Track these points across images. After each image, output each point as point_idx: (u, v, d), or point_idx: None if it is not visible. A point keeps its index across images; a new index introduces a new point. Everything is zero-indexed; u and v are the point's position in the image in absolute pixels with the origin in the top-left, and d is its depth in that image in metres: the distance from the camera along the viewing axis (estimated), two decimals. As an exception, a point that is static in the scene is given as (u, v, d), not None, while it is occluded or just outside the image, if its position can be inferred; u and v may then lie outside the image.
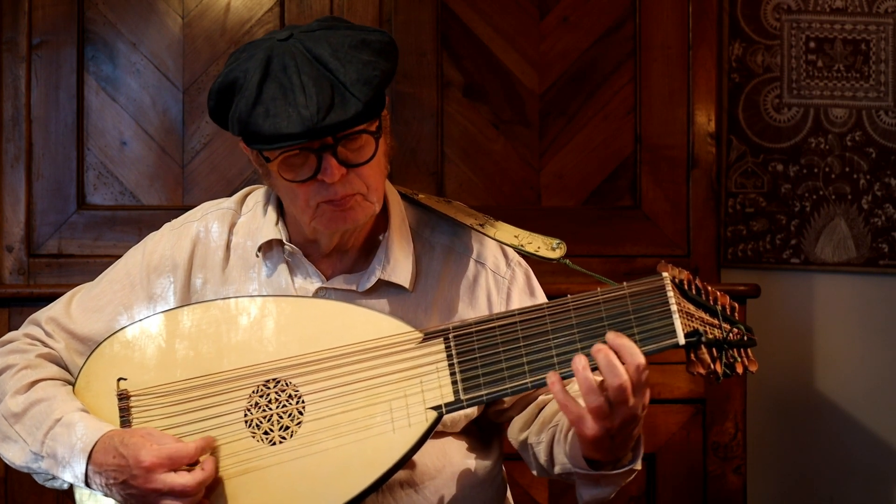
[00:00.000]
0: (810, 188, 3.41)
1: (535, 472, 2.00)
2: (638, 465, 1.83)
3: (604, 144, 3.23)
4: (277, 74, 1.80)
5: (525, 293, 2.04)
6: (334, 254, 1.99)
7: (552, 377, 1.72)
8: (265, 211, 2.02)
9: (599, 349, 1.70)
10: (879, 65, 3.35)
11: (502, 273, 2.03)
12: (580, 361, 1.70)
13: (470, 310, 2.00)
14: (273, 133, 1.78)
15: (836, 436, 3.42)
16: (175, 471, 1.79)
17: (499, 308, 2.01)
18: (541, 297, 2.06)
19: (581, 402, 1.71)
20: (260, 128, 1.79)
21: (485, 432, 2.06)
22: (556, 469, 1.90)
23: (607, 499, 1.85)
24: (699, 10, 3.23)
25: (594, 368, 1.70)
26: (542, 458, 1.94)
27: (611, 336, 1.71)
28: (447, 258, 2.02)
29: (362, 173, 1.86)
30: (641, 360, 1.69)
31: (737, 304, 1.81)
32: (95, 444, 1.83)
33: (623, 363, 1.69)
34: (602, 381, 1.70)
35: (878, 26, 3.36)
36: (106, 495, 1.85)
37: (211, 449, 1.82)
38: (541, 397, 1.99)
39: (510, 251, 2.04)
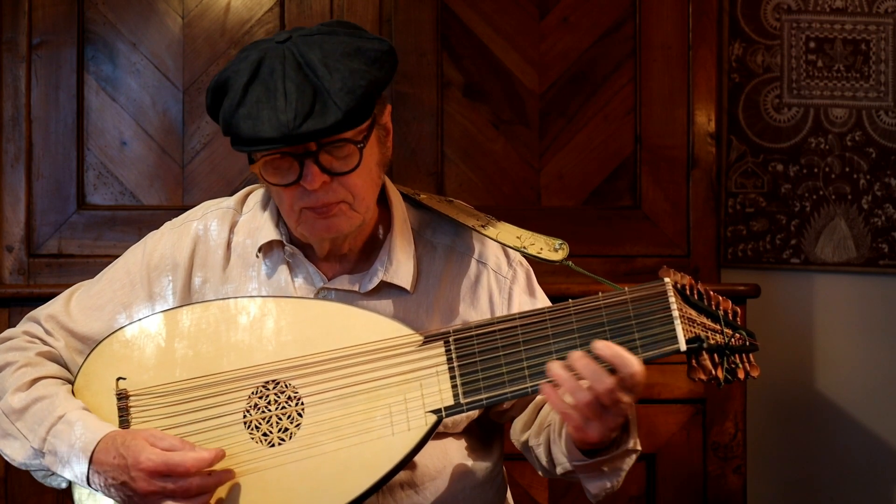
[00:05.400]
0: (810, 188, 3.41)
1: (540, 473, 2.01)
2: (638, 446, 1.82)
3: (604, 144, 3.23)
4: (265, 77, 1.80)
5: (526, 293, 2.04)
6: (332, 256, 1.99)
7: (546, 390, 1.71)
8: (265, 211, 2.02)
9: (580, 356, 1.70)
10: (879, 65, 3.35)
11: (504, 273, 2.03)
12: (554, 366, 1.70)
13: (471, 310, 2.00)
14: (251, 136, 1.78)
15: (835, 436, 3.42)
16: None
17: (500, 308, 2.01)
18: (541, 297, 2.06)
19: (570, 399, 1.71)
20: (240, 129, 1.79)
21: (486, 433, 2.06)
22: (559, 470, 1.90)
23: (615, 488, 1.84)
24: (699, 10, 3.22)
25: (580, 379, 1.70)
26: (544, 459, 1.94)
27: (600, 346, 1.70)
28: (449, 258, 2.02)
29: (346, 182, 1.85)
30: (635, 369, 1.69)
31: (739, 310, 1.80)
32: (98, 443, 1.82)
33: (617, 372, 1.69)
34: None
35: (878, 26, 3.36)
36: (106, 495, 1.84)
37: (217, 461, 1.80)
38: (539, 397, 1.98)
39: (511, 250, 2.03)
